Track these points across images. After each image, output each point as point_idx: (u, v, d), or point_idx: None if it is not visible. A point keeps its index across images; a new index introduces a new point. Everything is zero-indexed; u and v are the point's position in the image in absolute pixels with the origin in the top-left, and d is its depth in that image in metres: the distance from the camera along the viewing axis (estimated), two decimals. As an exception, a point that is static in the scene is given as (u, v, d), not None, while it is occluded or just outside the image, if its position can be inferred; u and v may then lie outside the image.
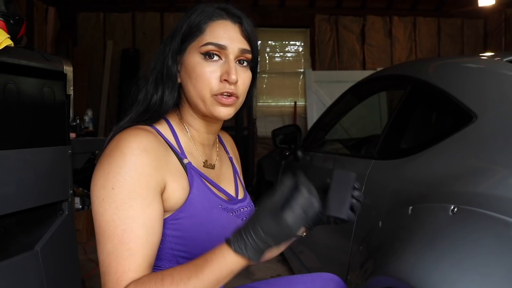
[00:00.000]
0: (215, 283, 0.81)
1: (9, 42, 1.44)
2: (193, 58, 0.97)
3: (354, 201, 0.96)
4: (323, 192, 1.03)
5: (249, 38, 1.00)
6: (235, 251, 0.80)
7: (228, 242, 0.81)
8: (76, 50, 6.55)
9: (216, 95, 0.96)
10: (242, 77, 0.99)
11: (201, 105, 0.99)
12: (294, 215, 0.78)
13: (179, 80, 1.02)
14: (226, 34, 0.97)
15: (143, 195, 0.87)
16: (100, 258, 0.85)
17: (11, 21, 1.57)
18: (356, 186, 0.97)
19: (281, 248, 0.86)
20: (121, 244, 0.84)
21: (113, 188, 0.86)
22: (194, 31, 0.98)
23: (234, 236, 0.82)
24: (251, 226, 0.80)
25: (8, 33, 1.50)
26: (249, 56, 1.00)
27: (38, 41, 5.31)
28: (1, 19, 1.53)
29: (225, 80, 0.95)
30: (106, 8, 6.80)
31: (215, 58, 0.97)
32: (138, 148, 0.89)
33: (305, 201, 0.79)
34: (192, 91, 0.98)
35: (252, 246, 0.79)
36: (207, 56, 0.96)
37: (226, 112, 0.98)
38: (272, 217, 0.79)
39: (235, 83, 0.96)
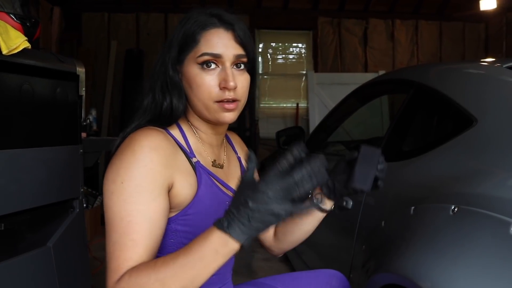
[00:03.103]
0: (199, 262, 0.79)
1: (26, 45, 1.48)
2: (192, 69, 1.00)
3: (377, 173, 1.00)
4: (349, 164, 1.06)
5: (243, 42, 1.02)
6: (218, 227, 0.78)
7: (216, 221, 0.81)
8: (81, 50, 6.57)
9: (218, 102, 1.00)
10: (240, 81, 1.02)
11: (205, 112, 1.02)
12: (301, 172, 0.76)
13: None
14: (220, 43, 1.00)
15: (149, 189, 0.91)
16: (107, 248, 0.90)
17: (28, 24, 1.61)
18: (380, 160, 1.00)
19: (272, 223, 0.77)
20: (126, 234, 0.88)
21: (122, 182, 0.90)
22: (189, 42, 1.01)
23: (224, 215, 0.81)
24: (236, 200, 0.79)
25: (25, 35, 1.55)
26: (245, 60, 1.03)
27: (43, 41, 5.32)
28: (18, 21, 1.58)
29: (224, 87, 0.99)
30: (110, 9, 6.82)
31: (212, 66, 1.00)
32: (148, 146, 0.93)
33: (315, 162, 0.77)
34: (194, 100, 1.02)
35: (239, 220, 0.77)
36: (204, 66, 0.99)
37: (230, 116, 1.02)
38: (275, 178, 0.76)
39: (234, 89, 0.99)
